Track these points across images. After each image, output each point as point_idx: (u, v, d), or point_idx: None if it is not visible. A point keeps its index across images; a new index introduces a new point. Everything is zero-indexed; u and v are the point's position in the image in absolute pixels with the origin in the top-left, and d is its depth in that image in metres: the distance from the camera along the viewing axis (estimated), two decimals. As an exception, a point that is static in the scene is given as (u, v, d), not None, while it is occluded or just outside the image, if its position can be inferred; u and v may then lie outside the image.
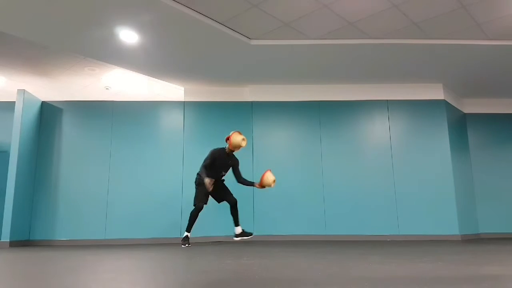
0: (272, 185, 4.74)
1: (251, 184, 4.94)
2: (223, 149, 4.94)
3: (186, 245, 4.63)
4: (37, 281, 1.86)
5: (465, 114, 6.94)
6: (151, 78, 6.14)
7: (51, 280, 1.90)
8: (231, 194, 4.98)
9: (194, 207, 4.81)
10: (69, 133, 5.97)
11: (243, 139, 4.80)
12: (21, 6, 4.12)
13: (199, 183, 4.83)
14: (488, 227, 6.51)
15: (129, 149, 5.95)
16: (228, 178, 5.09)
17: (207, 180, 4.65)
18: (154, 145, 6.01)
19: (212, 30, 4.63)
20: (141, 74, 5.97)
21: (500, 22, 4.59)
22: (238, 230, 5.01)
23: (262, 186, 4.80)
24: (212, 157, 4.84)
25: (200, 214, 5.91)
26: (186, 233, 4.75)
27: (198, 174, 4.92)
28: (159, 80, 6.23)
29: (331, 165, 6.01)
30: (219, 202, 5.07)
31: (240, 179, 4.97)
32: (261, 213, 5.83)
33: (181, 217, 5.81)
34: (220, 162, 4.89)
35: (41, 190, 5.73)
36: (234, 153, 4.96)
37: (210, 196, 4.95)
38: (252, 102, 6.24)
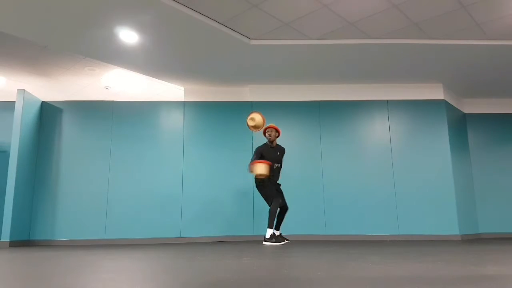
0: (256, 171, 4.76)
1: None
2: (266, 144, 5.04)
3: (282, 242, 4.70)
4: (37, 281, 1.86)
5: (465, 114, 6.94)
6: (151, 78, 6.14)
7: (51, 280, 1.90)
8: (285, 200, 5.00)
9: (272, 203, 4.82)
10: (69, 133, 5.97)
11: (250, 119, 4.92)
12: (21, 6, 4.12)
13: (258, 184, 4.92)
14: (488, 227, 6.51)
15: (129, 149, 5.95)
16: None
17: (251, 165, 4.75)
18: (154, 145, 6.01)
19: (212, 30, 4.63)
20: (141, 74, 5.97)
21: (500, 22, 4.59)
22: (277, 233, 4.97)
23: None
24: (257, 153, 4.93)
25: (201, 214, 5.92)
26: (272, 231, 4.74)
27: (259, 178, 4.92)
28: (159, 80, 6.23)
29: (331, 165, 6.01)
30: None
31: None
32: (261, 213, 5.82)
33: (181, 217, 5.81)
34: (269, 155, 4.94)
35: (41, 190, 5.73)
36: (277, 142, 5.09)
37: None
38: (252, 102, 6.24)
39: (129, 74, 6.14)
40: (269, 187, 4.91)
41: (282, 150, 5.12)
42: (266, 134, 5.04)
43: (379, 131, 6.14)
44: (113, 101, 6.16)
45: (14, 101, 5.59)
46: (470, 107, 7.00)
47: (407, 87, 6.30)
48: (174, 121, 6.13)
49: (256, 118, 4.88)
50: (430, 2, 4.20)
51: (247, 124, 4.94)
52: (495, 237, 6.31)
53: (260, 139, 6.13)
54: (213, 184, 5.94)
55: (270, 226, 4.74)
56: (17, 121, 5.44)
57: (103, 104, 6.12)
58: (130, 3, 4.12)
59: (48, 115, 6.00)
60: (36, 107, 5.88)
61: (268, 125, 5.05)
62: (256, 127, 4.91)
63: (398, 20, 4.55)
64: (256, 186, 4.96)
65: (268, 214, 4.81)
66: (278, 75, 5.99)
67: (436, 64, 5.64)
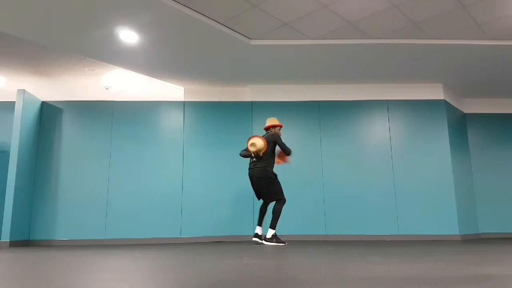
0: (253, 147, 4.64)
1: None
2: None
3: (284, 243, 4.59)
4: (37, 281, 1.86)
5: (465, 114, 6.94)
6: (151, 78, 6.14)
7: (51, 280, 1.90)
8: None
9: (278, 202, 4.70)
10: (69, 133, 5.97)
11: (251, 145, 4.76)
12: (21, 6, 4.12)
13: (274, 179, 4.75)
14: (488, 227, 6.51)
15: (129, 149, 5.95)
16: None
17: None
18: (154, 145, 6.01)
19: (212, 30, 4.63)
20: (141, 74, 5.97)
21: (500, 22, 4.59)
22: (259, 230, 4.78)
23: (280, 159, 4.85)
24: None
25: (201, 214, 5.92)
26: (273, 231, 4.62)
27: (270, 170, 4.73)
28: (159, 80, 6.23)
29: (331, 165, 6.01)
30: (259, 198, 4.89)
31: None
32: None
33: (181, 217, 5.81)
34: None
35: (41, 190, 5.73)
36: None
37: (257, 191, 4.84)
38: (252, 102, 6.24)
39: (129, 74, 6.14)
40: (279, 183, 4.77)
41: None
42: (280, 131, 5.00)
43: (379, 131, 6.14)
44: (113, 101, 6.16)
45: (14, 101, 5.59)
46: (470, 107, 7.00)
47: (407, 87, 6.30)
48: (174, 121, 6.13)
49: (258, 143, 4.64)
50: (430, 2, 4.20)
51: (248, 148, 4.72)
52: (495, 237, 6.31)
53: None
54: (213, 184, 5.94)
55: (272, 227, 4.65)
56: (17, 121, 5.44)
57: (103, 104, 6.12)
58: (130, 3, 4.12)
59: (48, 115, 6.00)
60: (36, 107, 5.88)
61: (272, 123, 4.99)
62: (258, 151, 4.68)
63: (398, 20, 4.55)
64: (268, 180, 4.69)
65: (273, 213, 4.70)
66: (278, 75, 5.99)
67: (436, 64, 5.64)
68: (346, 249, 3.74)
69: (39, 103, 5.98)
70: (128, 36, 4.76)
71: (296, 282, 1.70)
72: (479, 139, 6.86)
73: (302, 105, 6.21)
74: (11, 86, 6.41)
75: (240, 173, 5.87)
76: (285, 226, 5.81)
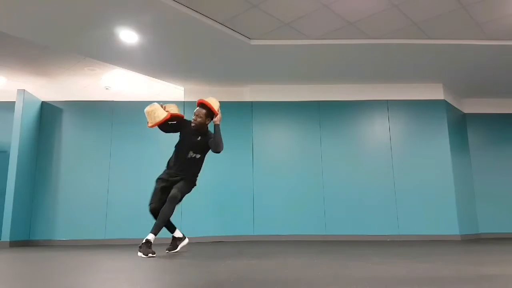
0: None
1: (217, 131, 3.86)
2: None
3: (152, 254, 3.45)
4: (37, 281, 1.86)
5: (465, 114, 6.94)
6: (151, 78, 6.13)
7: (51, 280, 1.90)
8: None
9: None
10: (69, 133, 5.96)
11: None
12: (21, 6, 4.12)
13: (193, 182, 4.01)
14: (488, 227, 6.51)
15: (129, 149, 5.94)
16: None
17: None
18: (154, 145, 6.00)
19: (212, 30, 4.63)
20: (141, 74, 5.97)
21: (500, 22, 4.59)
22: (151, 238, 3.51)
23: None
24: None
25: (201, 214, 5.91)
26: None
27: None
28: (159, 80, 6.23)
29: (331, 165, 6.01)
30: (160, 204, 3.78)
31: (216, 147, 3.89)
32: (261, 213, 5.83)
33: (181, 217, 5.80)
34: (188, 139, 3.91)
35: (41, 190, 5.73)
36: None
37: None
38: (252, 102, 6.24)
39: (129, 74, 6.14)
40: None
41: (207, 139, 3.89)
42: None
43: (379, 131, 6.14)
44: (113, 101, 6.15)
45: (14, 101, 5.59)
46: (470, 107, 6.99)
47: (407, 87, 6.29)
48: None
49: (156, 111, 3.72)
50: (430, 2, 4.20)
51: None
52: (495, 237, 6.30)
53: (260, 139, 6.12)
54: (213, 184, 5.93)
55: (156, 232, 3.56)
56: (17, 121, 5.44)
57: (103, 104, 6.12)
58: (130, 3, 4.12)
59: (48, 115, 5.99)
60: (36, 107, 5.88)
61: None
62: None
63: (398, 20, 4.55)
64: (195, 184, 4.06)
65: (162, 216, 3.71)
66: (278, 75, 5.99)
67: (436, 64, 5.64)
68: (346, 249, 3.74)
69: (39, 103, 5.98)
70: (128, 36, 4.76)
71: (296, 282, 1.70)
72: (479, 139, 6.86)
73: (302, 105, 6.21)
74: (11, 86, 6.41)
75: (240, 173, 5.88)
76: (286, 226, 5.82)
